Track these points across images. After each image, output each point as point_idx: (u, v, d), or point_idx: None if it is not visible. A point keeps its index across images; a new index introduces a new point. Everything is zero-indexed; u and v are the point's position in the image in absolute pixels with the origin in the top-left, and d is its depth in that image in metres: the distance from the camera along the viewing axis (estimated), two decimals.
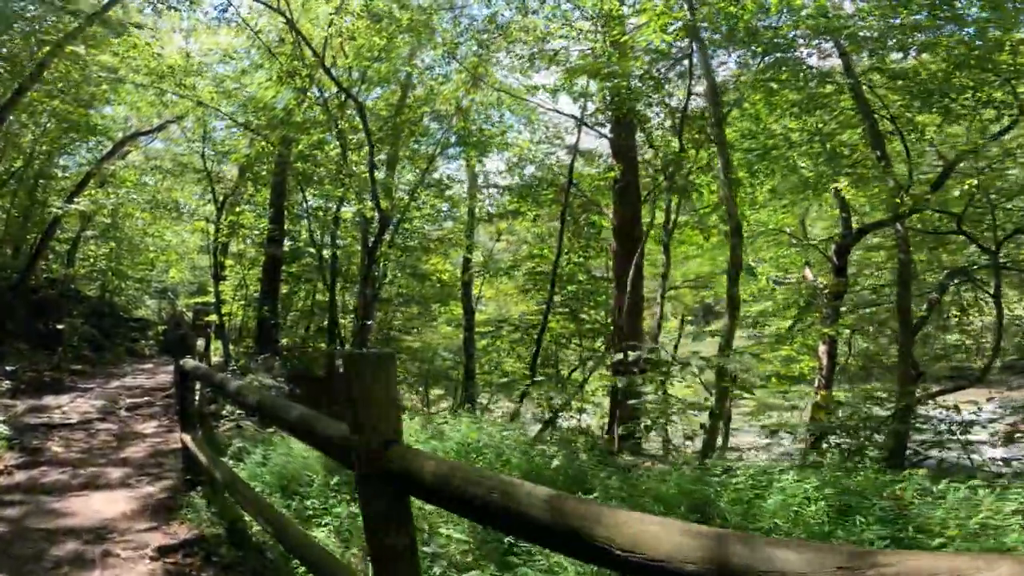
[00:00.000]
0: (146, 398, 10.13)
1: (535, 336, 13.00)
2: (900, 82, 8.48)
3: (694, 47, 7.07)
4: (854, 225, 11.22)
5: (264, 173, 14.32)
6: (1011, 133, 9.58)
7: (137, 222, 18.57)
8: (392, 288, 14.00)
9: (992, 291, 10.20)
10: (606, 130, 9.86)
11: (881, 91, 9.63)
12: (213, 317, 14.46)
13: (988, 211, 9.81)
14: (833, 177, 10.45)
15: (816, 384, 11.46)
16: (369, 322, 12.94)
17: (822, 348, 11.44)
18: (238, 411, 7.75)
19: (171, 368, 14.69)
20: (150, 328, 20.35)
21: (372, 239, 11.68)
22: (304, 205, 12.36)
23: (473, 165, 14.13)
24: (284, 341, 14.83)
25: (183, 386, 4.94)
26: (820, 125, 10.06)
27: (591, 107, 9.84)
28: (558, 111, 9.89)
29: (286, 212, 14.79)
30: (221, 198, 15.19)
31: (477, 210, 14.09)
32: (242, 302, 17.16)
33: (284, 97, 12.82)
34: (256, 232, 15.22)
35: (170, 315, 21.13)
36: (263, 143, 13.35)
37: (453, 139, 11.57)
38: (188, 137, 14.91)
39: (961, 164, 9.54)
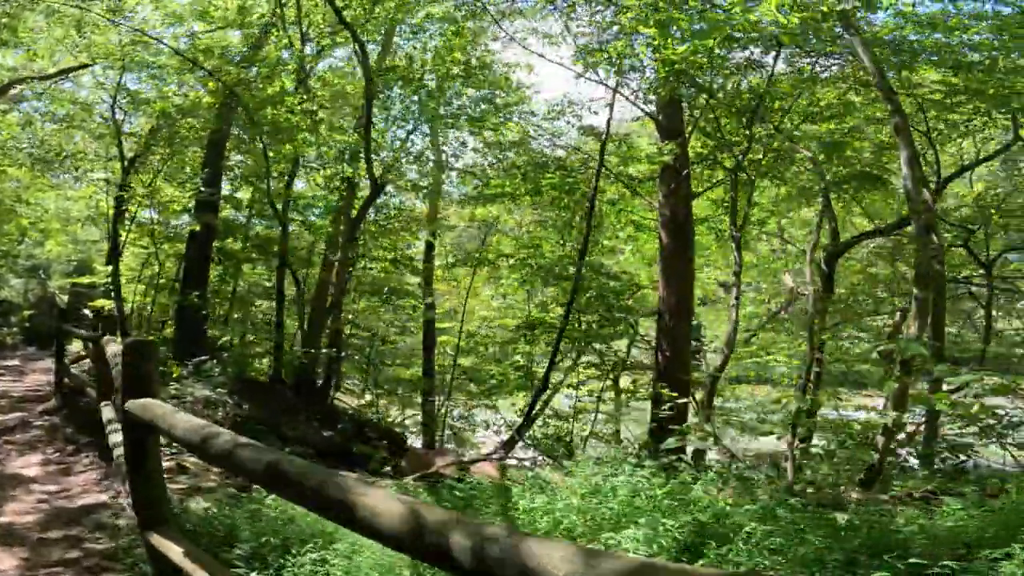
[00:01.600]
0: (18, 413, 7.23)
1: (526, 336, 11.75)
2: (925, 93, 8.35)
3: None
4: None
5: (198, 127, 11.75)
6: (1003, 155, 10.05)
7: (10, 183, 14.76)
8: (370, 272, 12.00)
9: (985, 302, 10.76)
10: (650, 108, 8.85)
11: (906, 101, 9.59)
12: (104, 302, 11.60)
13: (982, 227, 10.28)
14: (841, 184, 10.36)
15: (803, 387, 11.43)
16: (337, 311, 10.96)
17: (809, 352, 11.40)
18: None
19: (45, 364, 11.62)
20: (14, 312, 16.43)
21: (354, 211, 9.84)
22: (267, 166, 10.09)
23: (436, 140, 12.48)
24: (221, 338, 12.29)
25: (135, 445, 2.68)
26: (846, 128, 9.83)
27: (633, 82, 8.80)
28: (588, 78, 8.70)
29: (225, 175, 12.27)
30: (131, 155, 12.35)
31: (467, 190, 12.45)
32: (149, 285, 14.20)
33: (243, 34, 10.49)
34: (185, 196, 12.47)
35: (40, 298, 17.25)
36: (199, 94, 10.88)
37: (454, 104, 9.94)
38: (99, 83, 11.90)
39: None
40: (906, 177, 5.86)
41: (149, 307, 13.97)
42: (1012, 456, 6.75)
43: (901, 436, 6.52)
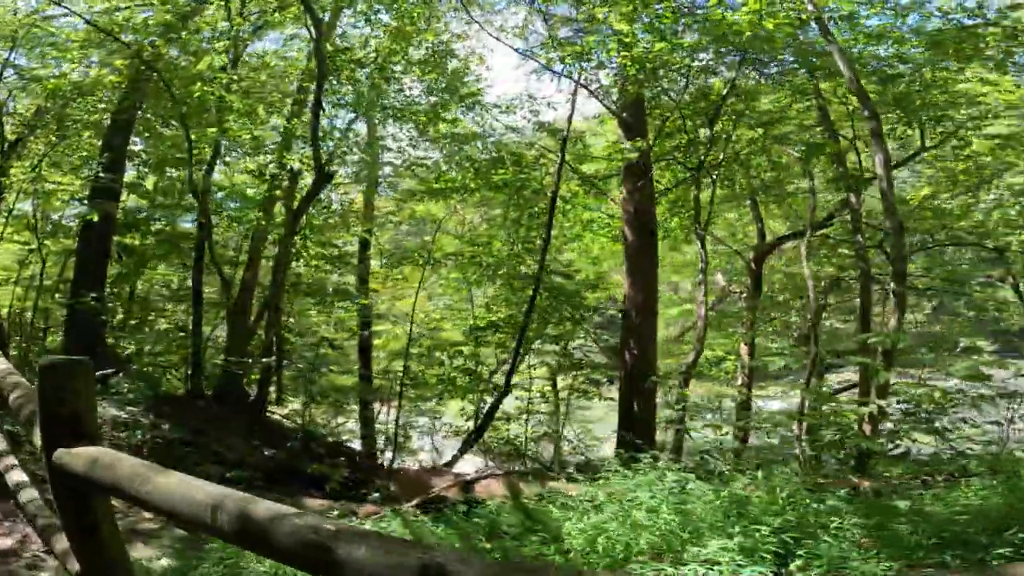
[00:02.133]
0: None
1: (478, 338, 11.34)
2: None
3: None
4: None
5: (98, 107, 10.24)
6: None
7: None
8: (309, 271, 11.01)
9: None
10: (613, 106, 8.82)
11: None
12: None
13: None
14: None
15: (739, 383, 12.02)
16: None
17: (743, 349, 12.01)
18: None
19: None
20: None
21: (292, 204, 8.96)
22: (189, 150, 8.93)
23: (375, 130, 11.78)
24: (124, 348, 10.78)
25: (77, 512, 1.79)
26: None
27: (598, 79, 8.74)
28: (555, 71, 8.55)
29: (131, 160, 10.74)
30: (13, 138, 10.55)
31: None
32: (30, 287, 12.17)
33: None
34: (76, 183, 10.82)
35: None
36: (101, 72, 9.45)
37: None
38: None
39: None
40: (881, 179, 6.22)
41: (31, 313, 11.99)
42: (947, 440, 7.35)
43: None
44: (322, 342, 10.74)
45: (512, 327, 10.50)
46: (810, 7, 6.20)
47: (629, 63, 7.74)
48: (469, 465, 11.03)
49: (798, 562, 2.95)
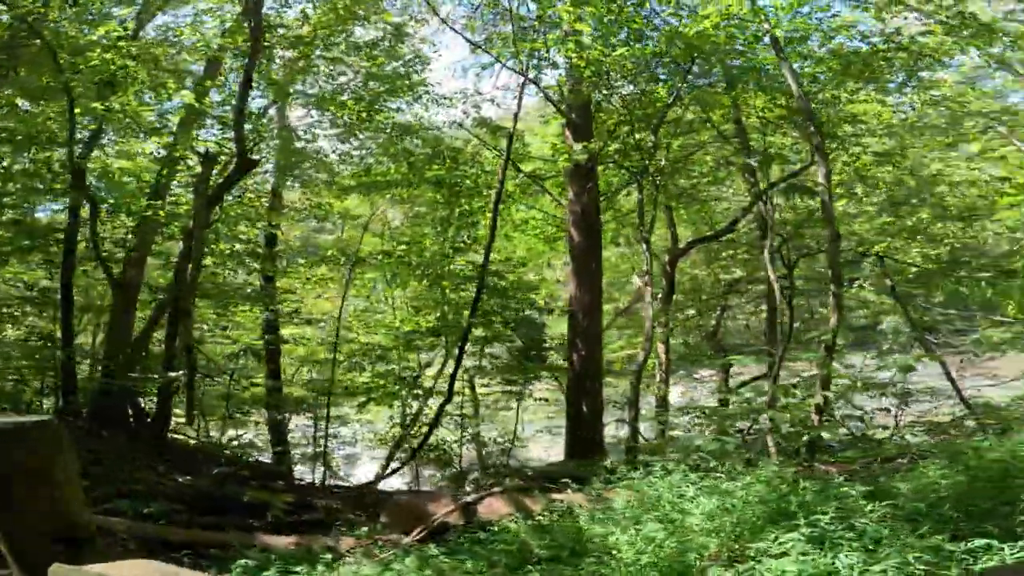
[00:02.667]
0: None
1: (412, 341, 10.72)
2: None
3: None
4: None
5: None
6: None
7: None
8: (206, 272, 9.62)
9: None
10: (563, 107, 8.76)
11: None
12: None
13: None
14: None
15: (657, 378, 12.66)
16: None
17: (660, 347, 12.67)
18: None
19: None
20: None
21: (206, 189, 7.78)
22: (71, 126, 7.45)
23: (285, 113, 10.77)
24: None
25: None
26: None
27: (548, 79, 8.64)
28: (503, 64, 8.29)
29: None
30: None
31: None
32: None
33: None
34: None
35: None
36: None
37: None
38: None
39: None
40: (823, 191, 6.76)
41: None
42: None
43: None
44: (243, 353, 9.56)
45: (450, 329, 10.09)
46: (766, 25, 6.60)
47: (584, 64, 7.75)
48: (396, 477, 10.44)
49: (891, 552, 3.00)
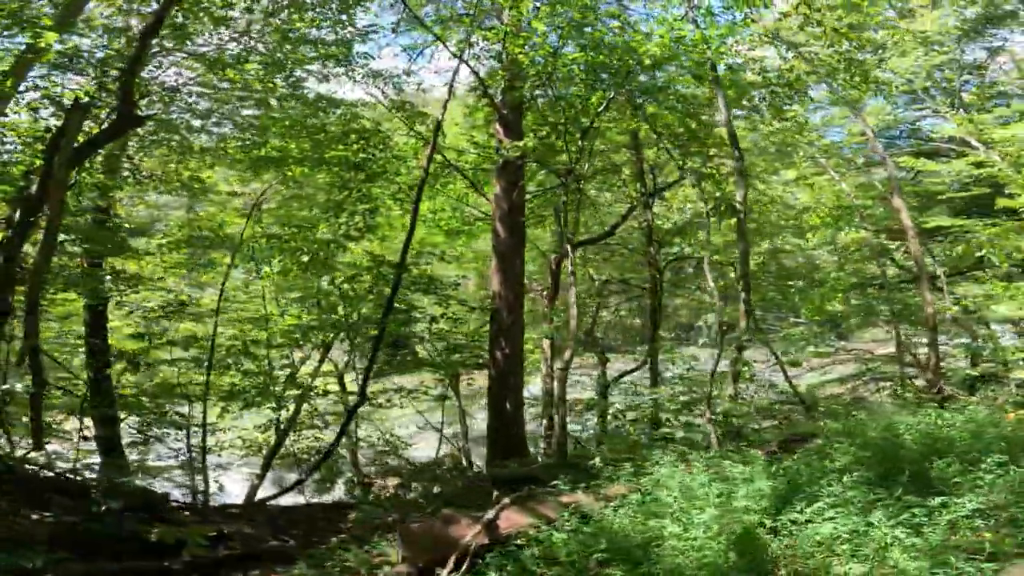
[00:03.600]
0: None
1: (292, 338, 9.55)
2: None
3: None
4: None
5: None
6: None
7: None
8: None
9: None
10: (494, 93, 8.56)
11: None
12: None
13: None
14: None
15: (542, 372, 13.20)
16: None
17: (545, 344, 13.25)
18: None
19: None
20: None
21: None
22: None
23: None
24: None
25: None
26: None
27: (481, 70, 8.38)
28: (444, 44, 7.79)
29: None
30: None
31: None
32: None
33: None
34: None
35: None
36: None
37: None
38: None
39: None
40: (740, 207, 7.67)
41: None
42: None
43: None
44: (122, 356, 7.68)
45: (340, 326, 9.29)
46: (708, 53, 7.28)
47: (528, 62, 7.76)
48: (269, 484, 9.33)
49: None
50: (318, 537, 5.98)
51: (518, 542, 4.22)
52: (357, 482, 9.49)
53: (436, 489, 7.48)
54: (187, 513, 6.41)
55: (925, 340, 11.14)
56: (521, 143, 8.16)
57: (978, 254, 10.45)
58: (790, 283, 14.44)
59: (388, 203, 10.98)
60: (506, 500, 4.72)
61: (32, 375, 6.13)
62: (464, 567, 3.91)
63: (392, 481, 8.59)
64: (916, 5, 11.83)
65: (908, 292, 12.86)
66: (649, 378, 11.79)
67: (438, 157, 9.11)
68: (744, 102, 9.91)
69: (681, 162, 9.52)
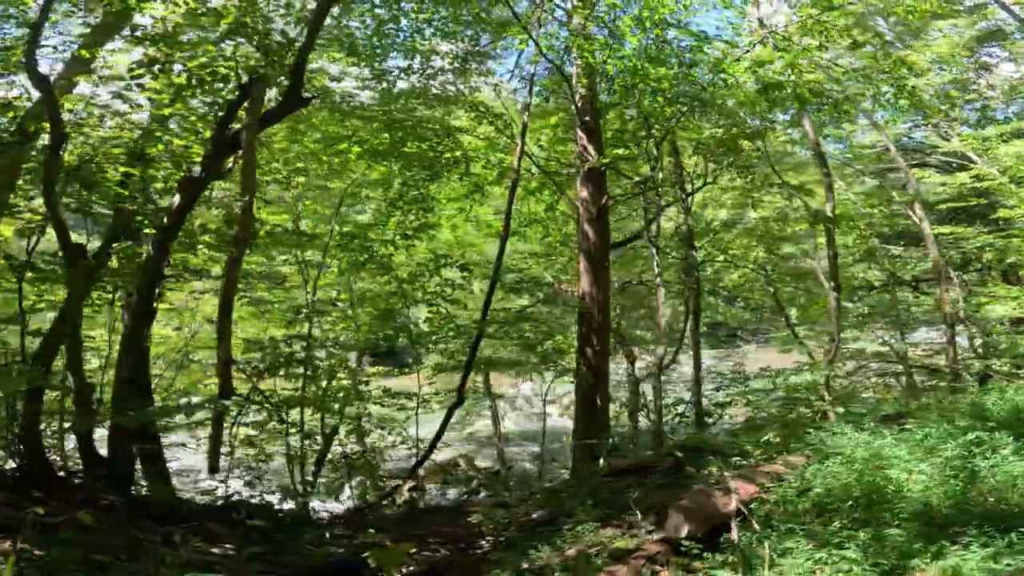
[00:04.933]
0: None
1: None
2: None
3: None
4: None
5: None
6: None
7: None
8: None
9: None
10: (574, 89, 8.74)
11: None
12: None
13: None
14: None
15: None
16: None
17: None
18: None
19: None
20: None
21: None
22: None
23: None
24: None
25: None
26: None
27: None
28: (546, 57, 7.88)
29: None
30: None
31: None
32: None
33: None
34: None
35: None
36: None
37: None
38: None
39: None
40: (829, 216, 8.24)
41: None
42: None
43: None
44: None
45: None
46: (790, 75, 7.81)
47: (615, 72, 8.03)
48: None
49: None
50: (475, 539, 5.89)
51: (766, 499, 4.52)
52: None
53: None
54: (339, 527, 6.21)
55: (937, 337, 12.23)
56: (610, 152, 8.44)
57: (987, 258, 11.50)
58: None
59: (443, 203, 10.96)
60: (728, 473, 5.00)
61: (220, 392, 5.64)
62: (734, 528, 4.18)
63: (407, 484, 8.53)
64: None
65: (912, 293, 13.96)
66: (692, 374, 12.26)
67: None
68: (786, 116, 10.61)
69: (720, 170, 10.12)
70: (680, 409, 11.04)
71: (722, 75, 7.85)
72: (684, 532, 4.18)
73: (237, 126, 5.62)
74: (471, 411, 13.83)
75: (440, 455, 11.41)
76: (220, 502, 6.14)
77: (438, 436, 8.28)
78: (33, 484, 5.23)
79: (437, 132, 9.13)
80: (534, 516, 6.18)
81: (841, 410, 6.91)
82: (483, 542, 5.85)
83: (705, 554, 3.95)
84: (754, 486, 4.75)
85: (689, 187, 12.30)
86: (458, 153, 9.55)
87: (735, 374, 11.77)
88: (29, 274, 6.12)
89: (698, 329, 12.17)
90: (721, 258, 13.42)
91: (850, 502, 4.13)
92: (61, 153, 4.97)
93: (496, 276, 8.40)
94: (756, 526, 4.17)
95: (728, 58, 7.90)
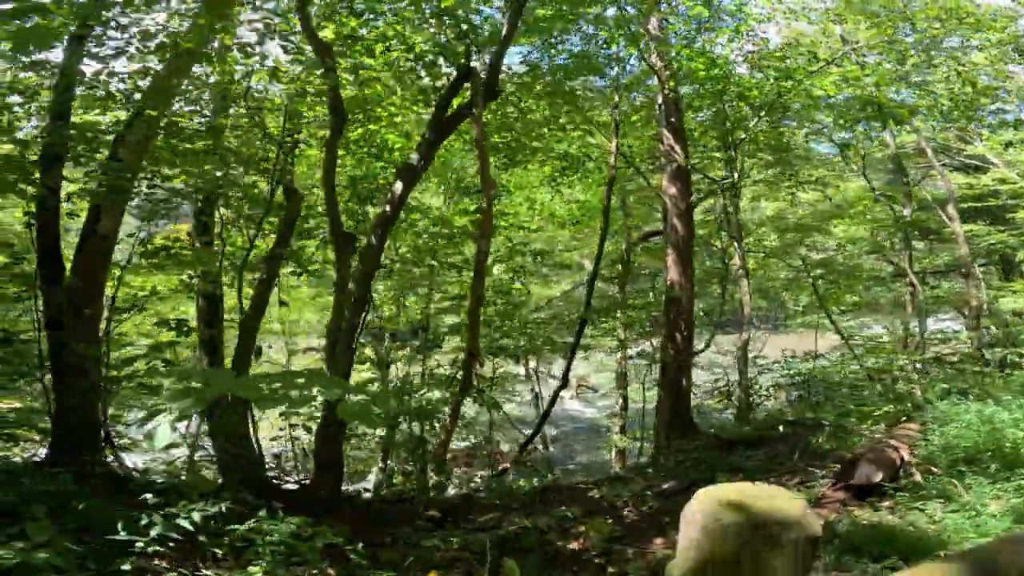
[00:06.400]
0: None
1: None
2: None
3: None
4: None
5: None
6: None
7: None
8: None
9: None
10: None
11: None
12: None
13: None
14: None
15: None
16: None
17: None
18: None
19: None
20: None
21: None
22: None
23: None
24: None
25: None
26: None
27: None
28: (647, 61, 8.43)
29: None
30: None
31: None
32: None
33: None
34: None
35: None
36: None
37: None
38: None
39: None
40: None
41: None
42: None
43: None
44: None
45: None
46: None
47: (707, 78, 8.74)
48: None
49: None
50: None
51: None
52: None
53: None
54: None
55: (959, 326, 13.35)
56: (695, 155, 9.17)
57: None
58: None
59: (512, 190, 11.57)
60: (879, 431, 5.84)
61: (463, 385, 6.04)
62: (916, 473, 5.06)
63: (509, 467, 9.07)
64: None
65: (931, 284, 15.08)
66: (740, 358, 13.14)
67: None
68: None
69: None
70: (764, 391, 11.84)
71: (809, 86, 8.59)
72: (878, 478, 5.04)
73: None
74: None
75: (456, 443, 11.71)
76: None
77: (544, 417, 8.96)
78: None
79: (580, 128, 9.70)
80: (664, 487, 6.92)
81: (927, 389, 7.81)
82: (627, 512, 6.49)
83: (897, 493, 4.81)
84: (904, 445, 5.60)
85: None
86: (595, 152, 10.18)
87: (789, 358, 12.62)
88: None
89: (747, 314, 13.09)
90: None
91: (988, 454, 5.03)
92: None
93: (596, 269, 9.06)
94: (918, 475, 5.06)
95: (811, 69, 8.63)
